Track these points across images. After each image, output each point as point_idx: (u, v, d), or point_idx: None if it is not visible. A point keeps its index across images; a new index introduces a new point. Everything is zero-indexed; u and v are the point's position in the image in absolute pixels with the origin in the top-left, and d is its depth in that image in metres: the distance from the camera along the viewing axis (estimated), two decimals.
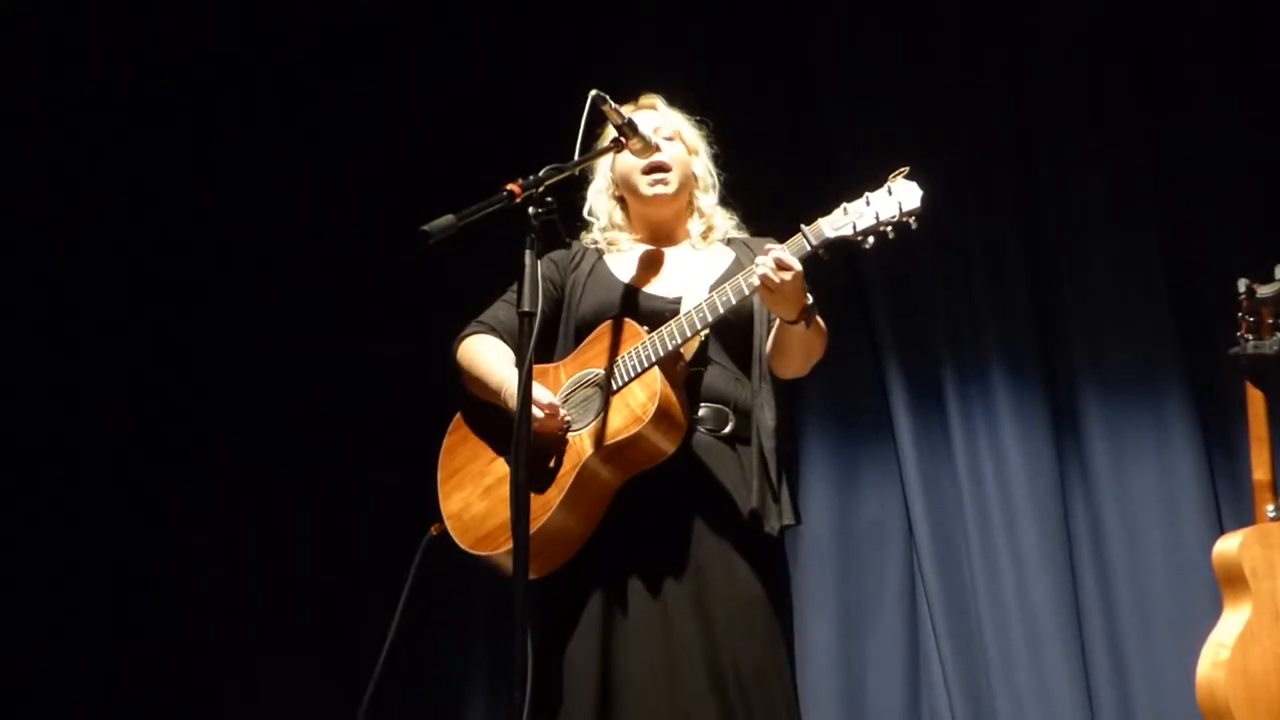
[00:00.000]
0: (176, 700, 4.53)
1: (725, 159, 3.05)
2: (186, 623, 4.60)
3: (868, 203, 2.61)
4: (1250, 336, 3.13)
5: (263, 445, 4.64)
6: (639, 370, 2.67)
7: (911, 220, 2.60)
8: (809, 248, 2.63)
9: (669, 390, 2.64)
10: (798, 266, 2.59)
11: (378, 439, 4.50)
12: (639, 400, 2.65)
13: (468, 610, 4.32)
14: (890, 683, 3.98)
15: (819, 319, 2.71)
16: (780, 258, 2.58)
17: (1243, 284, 3.13)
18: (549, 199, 2.53)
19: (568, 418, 2.71)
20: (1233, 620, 2.99)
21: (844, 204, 2.63)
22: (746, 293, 2.65)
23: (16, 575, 4.52)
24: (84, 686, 4.51)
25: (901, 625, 4.01)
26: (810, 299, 2.66)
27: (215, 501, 4.66)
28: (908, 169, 2.62)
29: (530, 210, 2.50)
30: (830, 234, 2.63)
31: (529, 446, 2.43)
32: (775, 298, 2.62)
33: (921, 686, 3.99)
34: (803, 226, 2.65)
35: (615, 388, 2.68)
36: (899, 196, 2.60)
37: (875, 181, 2.65)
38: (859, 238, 2.62)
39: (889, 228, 2.61)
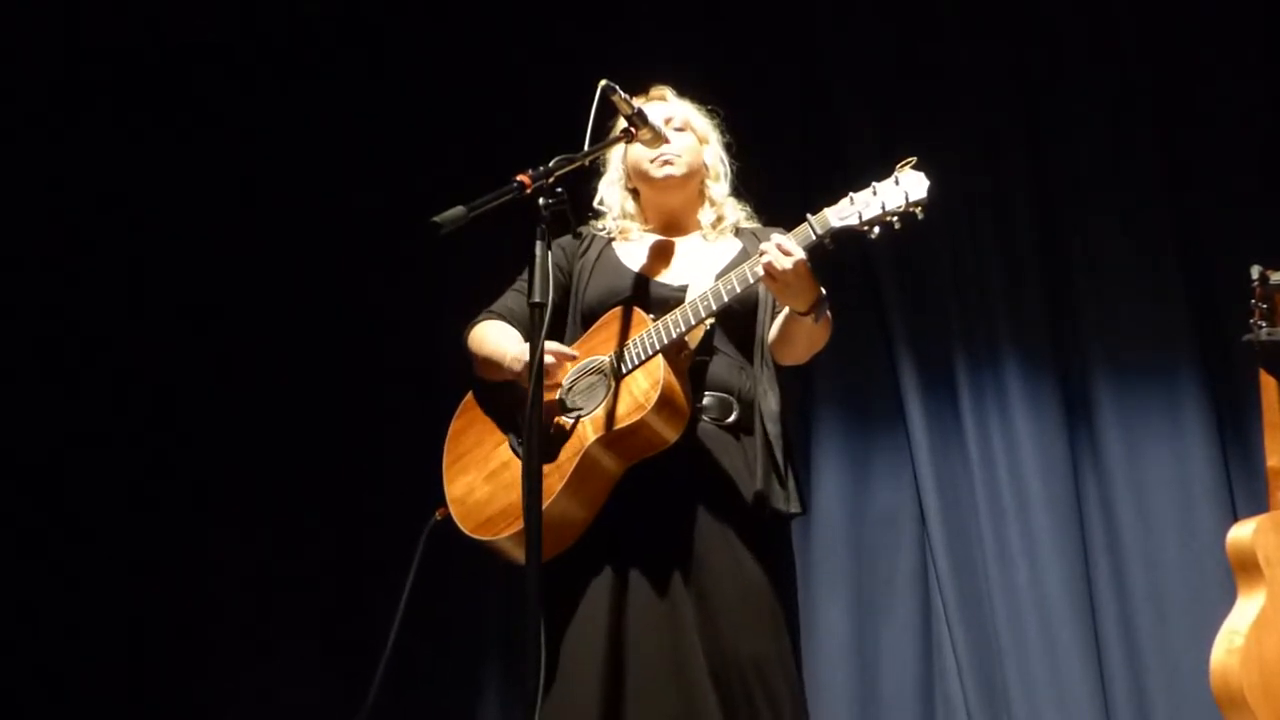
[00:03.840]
0: (188, 698, 4.53)
1: (736, 150, 3.05)
2: (197, 620, 4.59)
3: (874, 193, 2.61)
4: (1264, 323, 3.12)
5: (271, 442, 4.64)
6: (643, 358, 2.68)
7: (918, 211, 2.59)
8: (814, 237, 2.62)
9: (672, 378, 2.65)
10: (800, 255, 2.58)
11: (391, 432, 4.50)
12: (642, 388, 2.66)
13: (480, 599, 4.33)
14: (903, 670, 3.99)
15: (827, 312, 2.71)
16: (783, 245, 2.59)
17: (1256, 270, 3.12)
18: (559, 189, 2.53)
19: (574, 354, 2.73)
20: (1247, 607, 2.99)
21: (850, 194, 2.63)
22: (751, 281, 2.65)
23: (24, 577, 4.53)
24: (94, 688, 4.51)
25: (914, 613, 4.01)
26: (823, 291, 2.66)
27: (226, 499, 4.66)
28: (915, 159, 2.62)
29: (540, 201, 2.50)
30: (836, 223, 2.62)
31: (541, 434, 2.44)
32: (780, 287, 2.62)
33: (934, 674, 4.00)
34: (809, 216, 2.65)
35: (619, 375, 2.69)
36: (906, 187, 2.59)
37: (886, 171, 2.65)
38: (865, 228, 2.61)
39: (895, 218, 2.60)
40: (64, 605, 4.56)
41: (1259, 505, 3.30)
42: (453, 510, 2.82)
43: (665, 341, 2.68)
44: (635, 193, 3.01)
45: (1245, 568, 3.02)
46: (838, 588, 4.04)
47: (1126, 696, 3.80)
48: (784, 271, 2.58)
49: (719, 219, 2.96)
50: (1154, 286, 3.96)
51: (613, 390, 2.69)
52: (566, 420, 2.73)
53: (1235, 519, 3.51)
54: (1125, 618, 3.85)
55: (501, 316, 2.92)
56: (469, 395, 2.92)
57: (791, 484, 2.74)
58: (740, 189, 3.02)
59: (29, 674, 4.48)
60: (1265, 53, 3.94)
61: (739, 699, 2.61)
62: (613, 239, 2.97)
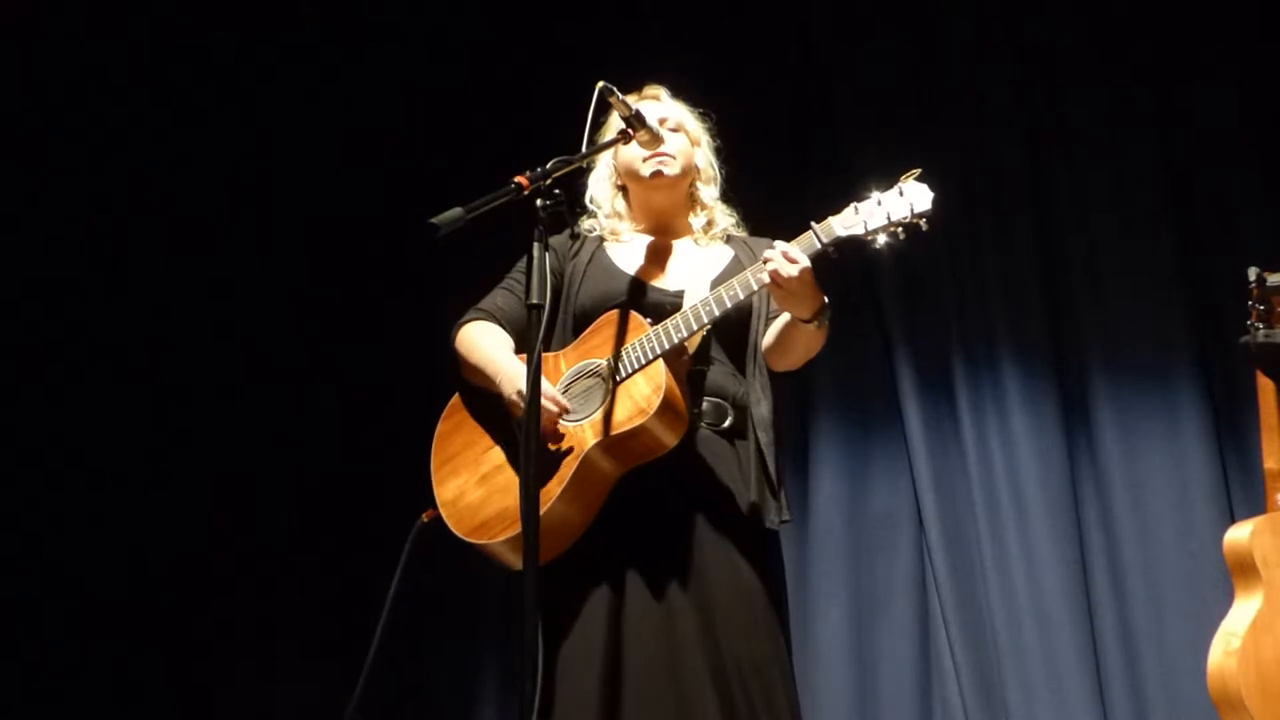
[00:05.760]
0: (187, 697, 4.54)
1: (736, 155, 3.05)
2: (197, 620, 4.60)
3: (879, 203, 2.62)
4: (1261, 325, 3.12)
5: (271, 442, 4.64)
6: (643, 363, 2.68)
7: (922, 222, 2.62)
8: (819, 245, 2.64)
9: (674, 383, 2.65)
10: (805, 263, 2.60)
11: (391, 433, 4.49)
12: (643, 392, 2.66)
13: (477, 602, 4.33)
14: (901, 673, 3.98)
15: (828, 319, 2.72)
16: (789, 253, 2.59)
17: (1253, 272, 3.12)
18: (556, 191, 2.53)
19: (569, 407, 2.72)
20: (1244, 609, 2.99)
21: (854, 203, 2.65)
22: (755, 288, 2.66)
23: (24, 577, 4.53)
24: (94, 687, 4.52)
25: (912, 615, 4.01)
26: (826, 299, 2.67)
27: (226, 500, 4.66)
28: (919, 170, 2.63)
29: (538, 202, 2.50)
30: (841, 232, 2.64)
31: (539, 438, 2.44)
32: (784, 294, 2.63)
33: (932, 676, 3.99)
34: (813, 224, 2.66)
35: (618, 379, 2.69)
36: (910, 198, 2.60)
37: (887, 176, 2.66)
38: (869, 237, 2.63)
39: (899, 228, 2.62)
40: (63, 605, 4.57)
41: (1256, 507, 3.30)
42: (443, 513, 2.81)
43: (666, 346, 2.68)
44: (624, 190, 3.01)
45: (1242, 569, 3.02)
46: (835, 590, 4.04)
47: (1124, 698, 3.79)
48: (789, 279, 2.59)
49: (709, 223, 2.97)
50: (1153, 287, 3.96)
51: (611, 394, 2.69)
52: (564, 424, 2.72)
53: (1233, 520, 3.52)
54: (1123, 619, 3.84)
55: (492, 316, 2.91)
56: (456, 397, 2.90)
57: (782, 494, 2.75)
58: (729, 193, 3.03)
59: (29, 673, 4.49)
60: (1265, 54, 3.94)
61: (738, 701, 2.61)
62: (604, 239, 2.97)
